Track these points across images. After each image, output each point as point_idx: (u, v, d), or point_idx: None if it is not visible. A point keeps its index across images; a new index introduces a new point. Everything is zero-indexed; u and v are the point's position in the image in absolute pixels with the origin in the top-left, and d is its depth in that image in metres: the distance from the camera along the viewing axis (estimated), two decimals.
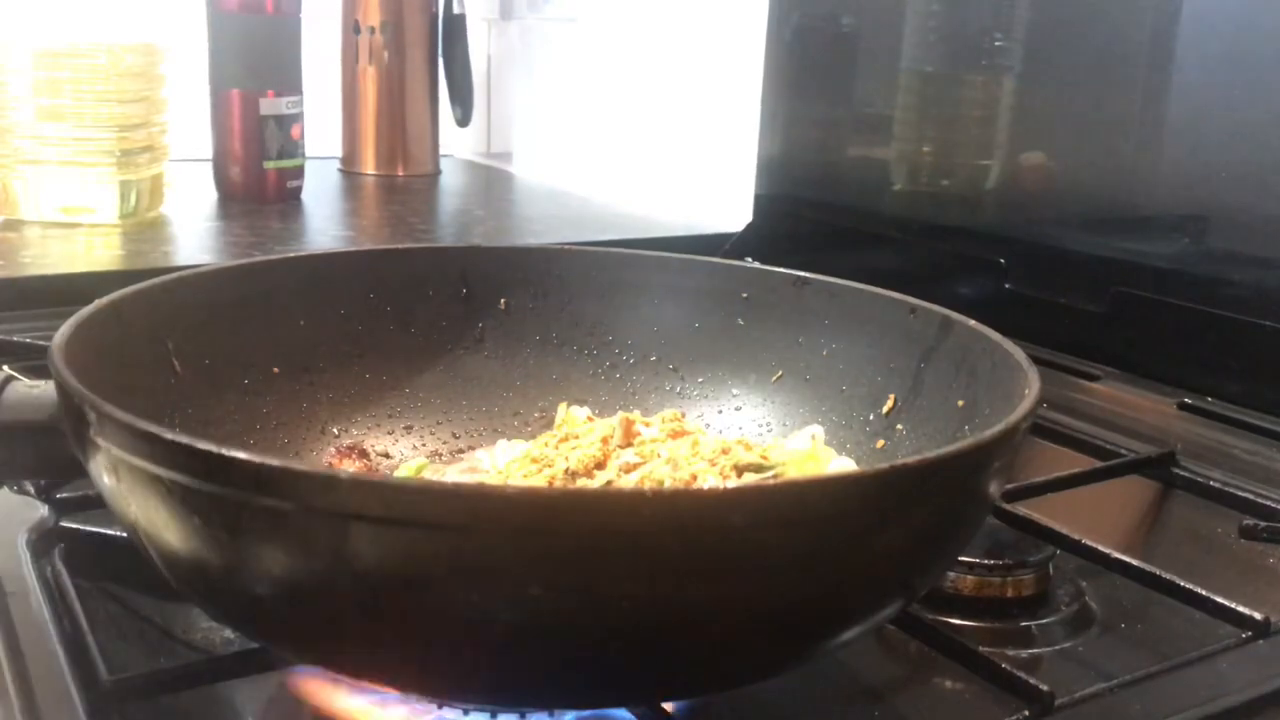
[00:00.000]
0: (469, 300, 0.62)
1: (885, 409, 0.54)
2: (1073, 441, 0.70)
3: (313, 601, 0.34)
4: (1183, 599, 0.51)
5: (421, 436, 0.59)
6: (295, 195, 1.26)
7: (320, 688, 0.43)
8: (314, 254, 0.78)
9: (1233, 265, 0.76)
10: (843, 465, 0.52)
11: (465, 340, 0.61)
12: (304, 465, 0.33)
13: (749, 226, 1.12)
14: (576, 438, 0.52)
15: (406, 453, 0.59)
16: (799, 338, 0.58)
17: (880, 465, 0.36)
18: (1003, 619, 0.52)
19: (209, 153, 1.25)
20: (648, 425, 0.53)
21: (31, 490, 0.53)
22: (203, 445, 0.33)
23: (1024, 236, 0.90)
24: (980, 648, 0.46)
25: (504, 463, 0.53)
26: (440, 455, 0.59)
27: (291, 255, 0.70)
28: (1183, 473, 0.65)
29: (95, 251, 1.01)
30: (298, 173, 1.26)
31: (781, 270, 0.59)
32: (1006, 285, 0.90)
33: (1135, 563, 0.54)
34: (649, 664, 0.36)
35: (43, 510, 0.52)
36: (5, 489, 0.53)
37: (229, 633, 0.47)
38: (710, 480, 0.46)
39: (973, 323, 0.50)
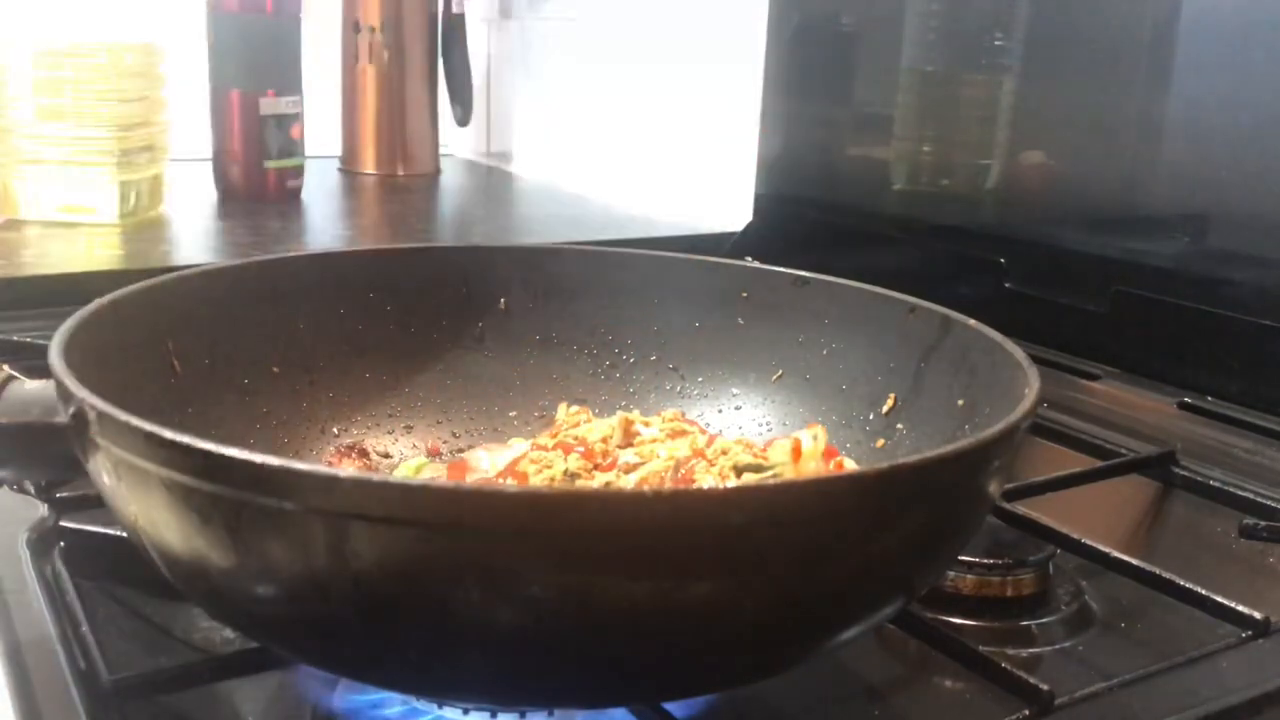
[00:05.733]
0: (469, 300, 0.62)
1: (885, 408, 0.54)
2: (1073, 441, 0.70)
3: (313, 601, 0.34)
4: (1182, 598, 0.51)
5: (421, 436, 0.59)
6: (295, 195, 1.26)
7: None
8: (314, 253, 0.78)
9: (1233, 265, 0.76)
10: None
11: (465, 340, 0.61)
12: (304, 465, 0.33)
13: (749, 226, 1.12)
14: (576, 439, 0.52)
15: (406, 452, 0.59)
16: (799, 337, 0.58)
17: (880, 465, 0.36)
18: (1003, 618, 0.52)
19: (209, 152, 1.25)
20: (648, 425, 0.53)
21: (31, 490, 0.53)
22: (203, 445, 0.33)
23: (1024, 236, 0.90)
24: (980, 647, 0.46)
25: (504, 463, 0.53)
26: (440, 455, 0.59)
27: (291, 255, 0.70)
28: (1182, 472, 0.65)
29: (95, 251, 1.01)
30: (297, 172, 1.26)
31: (781, 270, 0.59)
32: (1006, 285, 0.90)
33: (1135, 562, 0.54)
34: (649, 664, 0.36)
35: (43, 510, 0.52)
36: (5, 489, 0.53)
37: (229, 633, 0.47)
38: (710, 480, 0.46)
39: (973, 322, 0.50)
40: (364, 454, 0.57)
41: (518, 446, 0.55)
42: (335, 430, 0.57)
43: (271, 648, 0.41)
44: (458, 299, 0.61)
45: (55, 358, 0.40)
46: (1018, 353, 0.46)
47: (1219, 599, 0.50)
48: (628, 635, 0.34)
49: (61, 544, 0.51)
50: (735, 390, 0.60)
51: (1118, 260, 0.83)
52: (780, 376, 0.59)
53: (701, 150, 1.26)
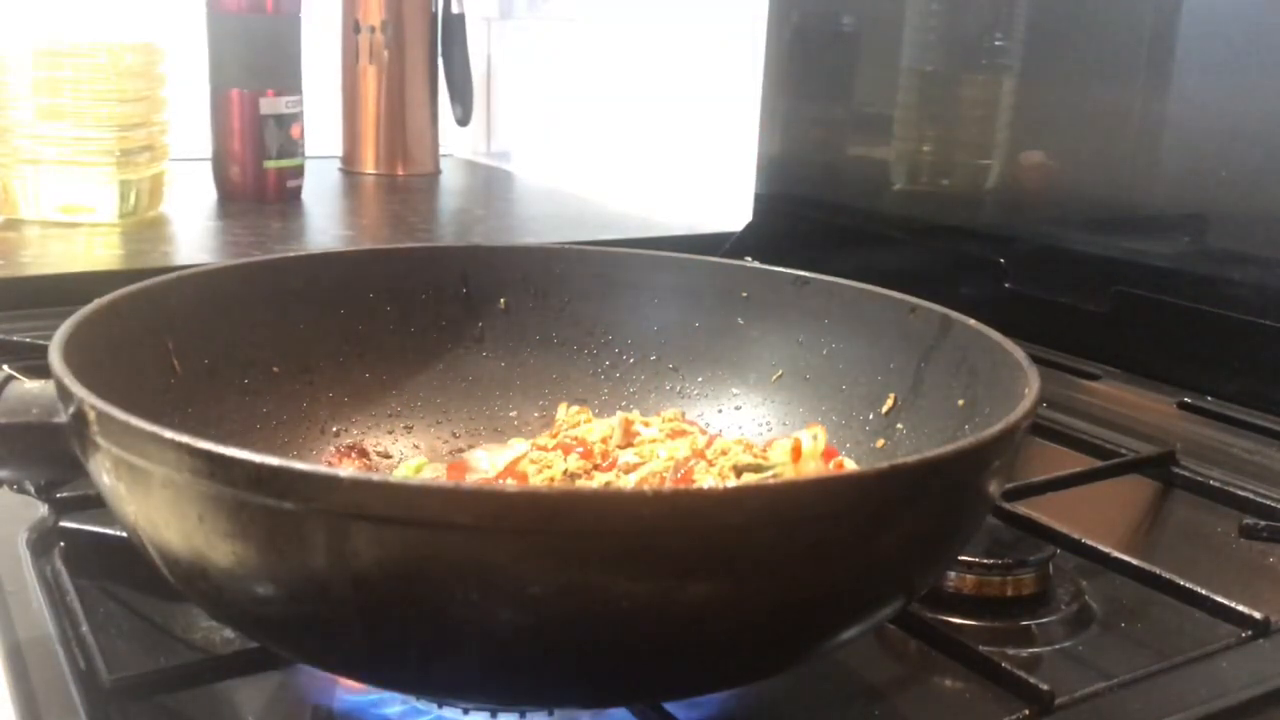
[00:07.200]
0: (469, 300, 0.62)
1: (885, 408, 0.54)
2: (1073, 441, 0.70)
3: (313, 601, 0.34)
4: (1182, 598, 0.51)
5: (421, 436, 0.59)
6: (295, 195, 1.26)
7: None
8: (314, 254, 0.78)
9: (1233, 265, 0.76)
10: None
11: (465, 340, 0.61)
12: (304, 465, 0.33)
13: (749, 226, 1.12)
14: (576, 439, 0.52)
15: (406, 452, 0.59)
16: (799, 337, 0.58)
17: (880, 465, 0.36)
18: (1003, 618, 0.52)
19: (209, 152, 1.25)
20: (647, 425, 0.53)
21: (31, 490, 0.53)
22: (202, 444, 0.33)
23: (1024, 236, 0.90)
24: (980, 647, 0.46)
25: (504, 463, 0.53)
26: (440, 455, 0.59)
27: (291, 255, 0.70)
28: (1182, 472, 0.65)
29: (95, 251, 1.01)
30: (297, 172, 1.26)
31: (781, 270, 0.59)
32: (1006, 285, 0.90)
33: (1135, 562, 0.54)
34: (649, 664, 0.36)
35: (43, 510, 0.52)
36: (5, 489, 0.53)
37: (229, 633, 0.47)
38: (710, 480, 0.46)
39: (973, 322, 0.50)
40: (364, 454, 0.57)
41: (518, 446, 0.55)
42: (335, 430, 0.57)
43: (271, 648, 0.41)
44: (458, 299, 0.61)
45: (55, 358, 0.40)
46: (1018, 353, 0.46)
47: (1219, 599, 0.50)
48: (628, 635, 0.34)
49: (61, 544, 0.51)
50: (735, 390, 0.60)
51: (1118, 260, 0.83)
52: (780, 376, 0.59)
53: (701, 150, 1.26)
